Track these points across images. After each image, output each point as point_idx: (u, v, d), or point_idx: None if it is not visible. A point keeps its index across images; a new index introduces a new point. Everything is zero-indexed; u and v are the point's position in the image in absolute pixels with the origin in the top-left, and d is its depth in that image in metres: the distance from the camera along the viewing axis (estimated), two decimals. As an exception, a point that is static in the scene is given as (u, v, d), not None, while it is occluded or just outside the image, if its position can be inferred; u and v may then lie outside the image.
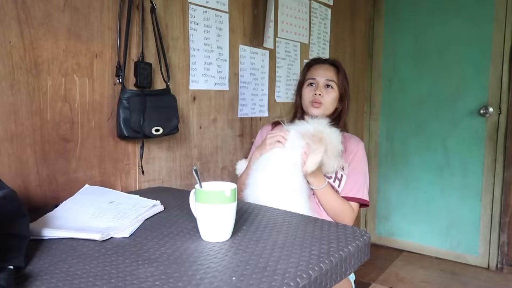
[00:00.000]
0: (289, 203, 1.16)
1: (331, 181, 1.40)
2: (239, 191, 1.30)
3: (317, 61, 1.55)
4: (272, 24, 1.95)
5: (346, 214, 1.38)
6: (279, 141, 1.29)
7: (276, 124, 1.60)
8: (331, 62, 1.54)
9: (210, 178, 1.68)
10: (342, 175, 1.41)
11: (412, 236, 2.93)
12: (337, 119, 1.49)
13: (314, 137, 1.25)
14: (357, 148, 1.47)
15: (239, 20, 1.77)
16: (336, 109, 1.51)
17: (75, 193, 1.07)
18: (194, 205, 0.84)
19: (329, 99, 1.47)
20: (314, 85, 1.48)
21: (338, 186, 1.42)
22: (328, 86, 1.47)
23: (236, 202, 0.83)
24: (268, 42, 1.93)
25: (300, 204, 1.22)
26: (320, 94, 1.45)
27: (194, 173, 0.86)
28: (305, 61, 2.20)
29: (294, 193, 1.24)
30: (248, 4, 1.80)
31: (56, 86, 1.14)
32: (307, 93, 1.49)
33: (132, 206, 1.00)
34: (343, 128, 1.48)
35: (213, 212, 0.80)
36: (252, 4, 1.83)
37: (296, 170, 1.26)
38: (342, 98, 1.51)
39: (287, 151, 1.26)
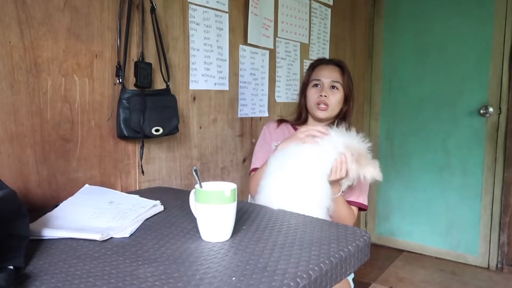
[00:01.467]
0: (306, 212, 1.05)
1: None
2: (255, 186, 1.26)
3: (322, 62, 1.54)
4: (272, 24, 1.94)
5: (350, 219, 1.39)
6: (315, 136, 1.21)
7: (281, 122, 1.59)
8: (336, 63, 1.52)
9: (210, 178, 1.68)
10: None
11: (412, 236, 2.93)
12: (342, 120, 1.49)
13: (367, 155, 1.22)
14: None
15: (239, 20, 1.76)
16: (341, 110, 1.50)
17: (75, 193, 1.07)
18: (194, 205, 0.84)
19: (335, 100, 1.45)
20: (319, 86, 1.47)
21: None
22: (333, 87, 1.46)
23: (236, 202, 0.83)
24: (268, 42, 1.92)
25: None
26: (325, 96, 1.44)
27: (194, 173, 0.86)
28: (305, 61, 2.20)
29: (314, 203, 1.12)
30: (248, 4, 1.80)
31: (56, 86, 1.14)
32: (312, 94, 1.47)
33: (132, 206, 1.00)
34: (349, 130, 1.47)
35: (213, 212, 0.80)
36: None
37: (323, 176, 1.16)
38: (347, 98, 1.49)
39: (319, 151, 1.16)
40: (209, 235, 0.82)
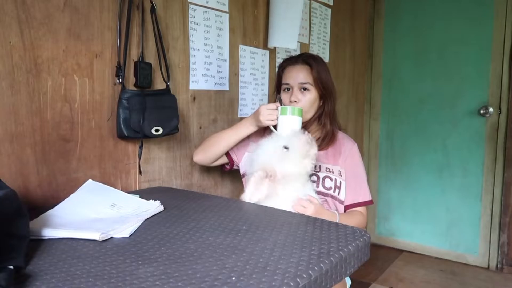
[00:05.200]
0: None
1: (331, 191, 1.38)
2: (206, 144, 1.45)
3: (289, 62, 1.45)
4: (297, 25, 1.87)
5: (360, 224, 1.37)
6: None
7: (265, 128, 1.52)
8: (304, 60, 1.42)
9: (210, 177, 1.68)
10: (340, 182, 1.39)
11: (412, 236, 2.93)
12: (325, 117, 1.43)
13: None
14: (352, 151, 1.43)
15: (239, 20, 1.77)
16: (319, 108, 1.43)
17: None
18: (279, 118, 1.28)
19: (307, 102, 1.38)
20: (290, 89, 1.41)
21: (339, 194, 1.39)
22: (304, 89, 1.39)
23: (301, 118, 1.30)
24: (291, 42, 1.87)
25: None
26: (295, 101, 1.38)
27: (278, 99, 1.40)
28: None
29: None
30: (248, 4, 1.80)
31: (56, 86, 1.14)
32: (285, 99, 1.42)
33: (133, 211, 0.99)
34: (332, 127, 1.43)
35: (293, 120, 1.29)
36: (252, 4, 1.83)
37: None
38: (324, 96, 1.41)
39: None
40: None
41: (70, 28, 1.16)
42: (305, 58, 1.42)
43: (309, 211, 1.19)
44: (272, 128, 1.33)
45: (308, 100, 1.39)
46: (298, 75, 1.40)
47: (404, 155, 2.93)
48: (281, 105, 1.35)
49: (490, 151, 2.60)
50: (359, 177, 1.42)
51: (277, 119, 1.31)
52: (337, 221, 1.26)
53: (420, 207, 2.88)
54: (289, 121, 1.30)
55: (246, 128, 1.38)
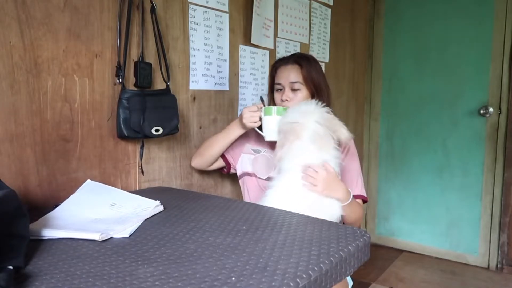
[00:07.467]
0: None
1: None
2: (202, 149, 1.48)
3: (281, 63, 1.46)
4: (272, 24, 1.94)
5: (361, 216, 1.37)
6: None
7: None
8: (295, 60, 1.43)
9: (210, 177, 1.68)
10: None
11: (412, 236, 2.93)
12: None
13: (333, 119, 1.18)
14: (348, 146, 1.43)
15: (239, 20, 1.76)
16: None
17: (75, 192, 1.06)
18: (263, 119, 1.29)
19: (298, 102, 1.38)
20: (282, 89, 1.43)
21: None
22: (295, 89, 1.40)
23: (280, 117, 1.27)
24: (268, 42, 1.93)
25: None
26: (287, 100, 1.39)
27: (260, 100, 1.37)
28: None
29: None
30: (248, 4, 1.80)
31: (56, 86, 1.14)
32: (277, 98, 1.44)
33: (133, 210, 0.99)
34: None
35: (277, 120, 1.26)
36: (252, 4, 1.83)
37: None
38: (317, 93, 1.41)
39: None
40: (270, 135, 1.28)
41: (70, 28, 1.16)
42: (296, 58, 1.43)
43: (320, 177, 1.15)
44: (257, 130, 1.34)
45: (299, 99, 1.40)
46: (289, 75, 1.41)
47: (404, 155, 2.93)
48: (264, 105, 1.35)
49: (490, 151, 2.60)
50: (354, 171, 1.42)
51: (261, 120, 1.32)
52: (349, 201, 1.24)
53: (420, 207, 2.88)
54: (273, 121, 1.29)
55: (234, 131, 1.41)
